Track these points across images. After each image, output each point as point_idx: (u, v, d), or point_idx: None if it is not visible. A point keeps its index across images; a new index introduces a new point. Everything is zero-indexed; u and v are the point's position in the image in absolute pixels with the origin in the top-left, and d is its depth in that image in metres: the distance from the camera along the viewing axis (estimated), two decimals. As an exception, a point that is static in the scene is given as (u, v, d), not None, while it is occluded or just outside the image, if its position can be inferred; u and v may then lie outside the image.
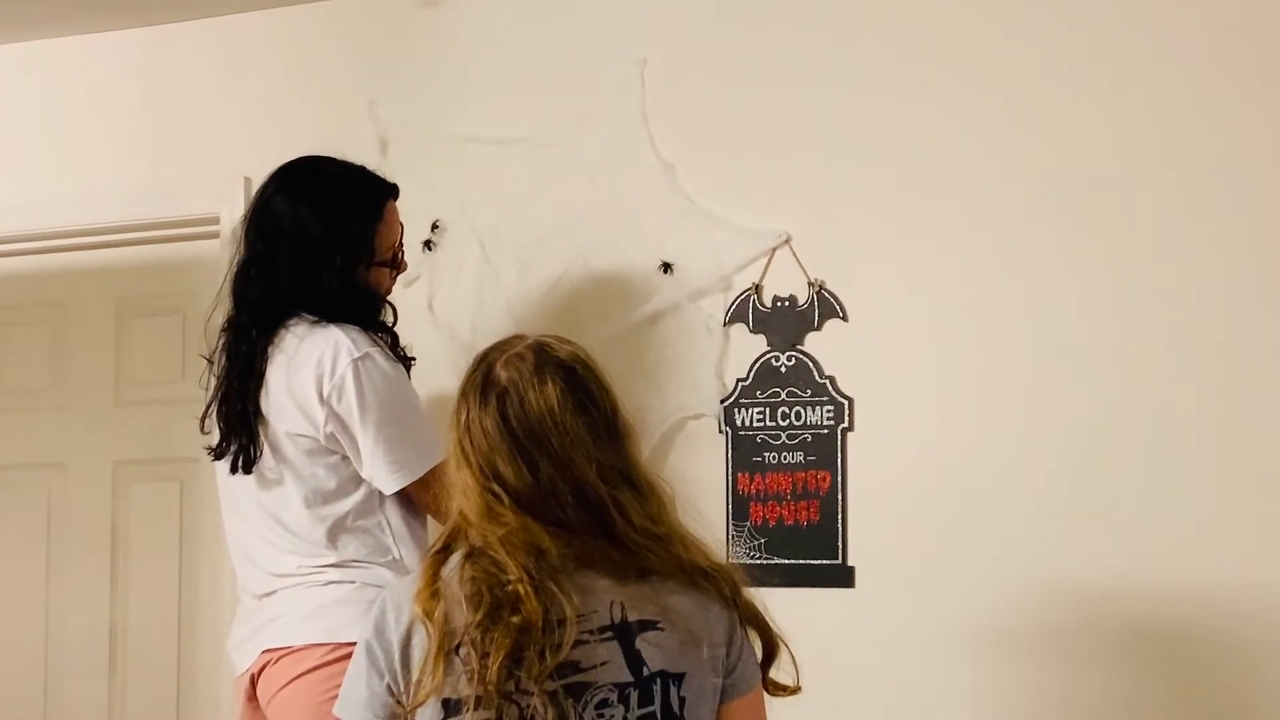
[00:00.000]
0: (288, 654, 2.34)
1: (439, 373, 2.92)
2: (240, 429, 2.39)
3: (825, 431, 2.67)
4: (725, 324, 2.75)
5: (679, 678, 1.73)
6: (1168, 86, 2.52)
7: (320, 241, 2.40)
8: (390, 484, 2.35)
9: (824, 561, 2.64)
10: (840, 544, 2.63)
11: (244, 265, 2.44)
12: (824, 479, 2.67)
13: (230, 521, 2.51)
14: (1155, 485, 2.48)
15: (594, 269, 2.84)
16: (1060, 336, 2.55)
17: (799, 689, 1.82)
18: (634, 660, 1.71)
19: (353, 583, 2.36)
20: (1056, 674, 2.50)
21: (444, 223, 2.96)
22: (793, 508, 2.68)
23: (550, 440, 1.74)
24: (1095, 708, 2.48)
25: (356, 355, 2.32)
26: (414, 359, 2.54)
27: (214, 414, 2.45)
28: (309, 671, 2.31)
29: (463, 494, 1.78)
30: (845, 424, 2.66)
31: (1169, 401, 2.48)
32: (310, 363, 2.33)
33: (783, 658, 1.81)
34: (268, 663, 2.37)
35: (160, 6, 3.14)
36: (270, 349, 2.38)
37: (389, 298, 2.52)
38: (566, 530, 1.73)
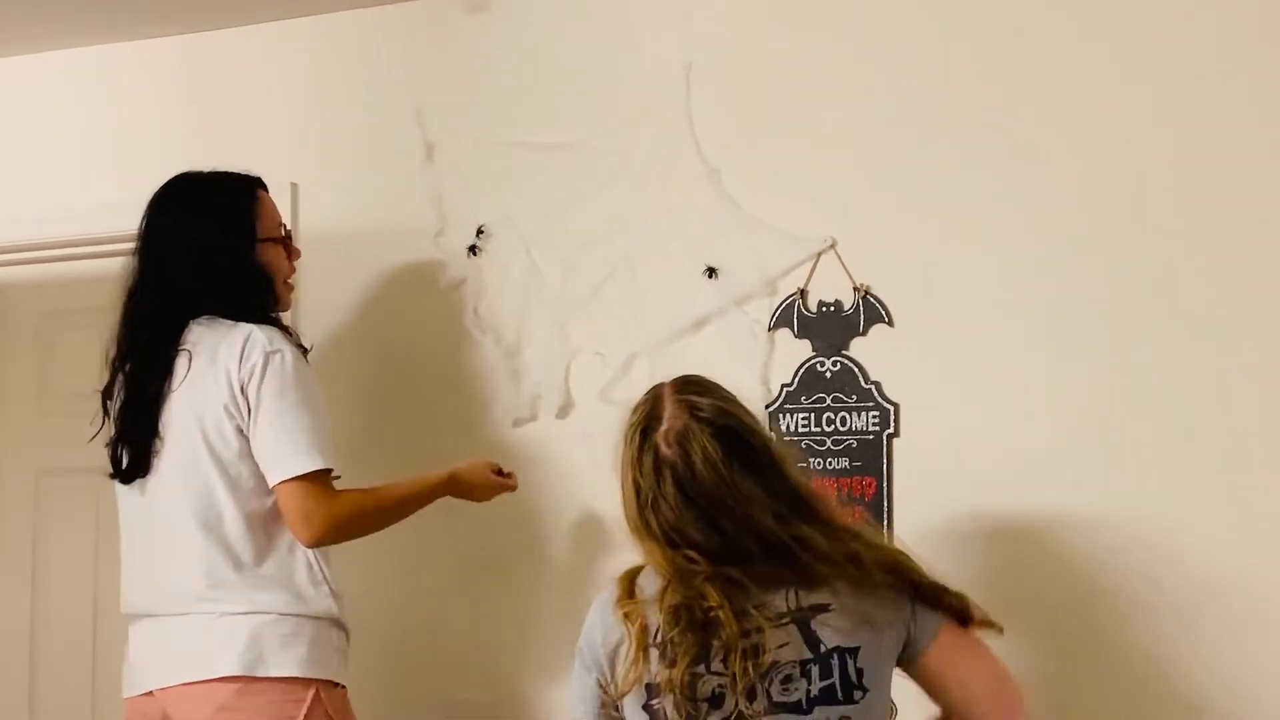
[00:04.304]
0: (202, 685, 2.37)
1: (484, 377, 2.94)
2: (147, 433, 2.47)
3: (870, 437, 2.66)
4: (770, 329, 2.74)
5: (854, 651, 1.92)
6: (1218, 86, 2.51)
7: (204, 235, 2.51)
8: (276, 473, 2.38)
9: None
10: (886, 550, 2.62)
11: (138, 285, 2.54)
12: (869, 485, 2.66)
13: (135, 536, 2.53)
14: (1206, 491, 2.46)
15: (639, 274, 2.84)
16: (1109, 342, 2.53)
17: (1000, 628, 2.01)
18: (811, 639, 1.91)
19: (268, 614, 2.39)
20: (1112, 683, 2.48)
21: (489, 228, 2.97)
22: (838, 513, 2.67)
23: (727, 503, 1.92)
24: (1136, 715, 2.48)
25: (270, 349, 2.42)
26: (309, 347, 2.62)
27: (119, 429, 2.52)
28: (228, 708, 2.35)
29: (649, 558, 2.00)
30: (891, 430, 2.65)
31: (1220, 407, 2.46)
32: (233, 356, 2.41)
33: (976, 605, 1.99)
34: (179, 694, 2.39)
35: (206, 13, 3.16)
36: (180, 352, 2.47)
37: (289, 281, 2.64)
38: (754, 563, 1.93)
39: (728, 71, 2.82)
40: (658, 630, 1.93)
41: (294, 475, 2.37)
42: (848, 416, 2.68)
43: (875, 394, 2.66)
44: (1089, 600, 2.51)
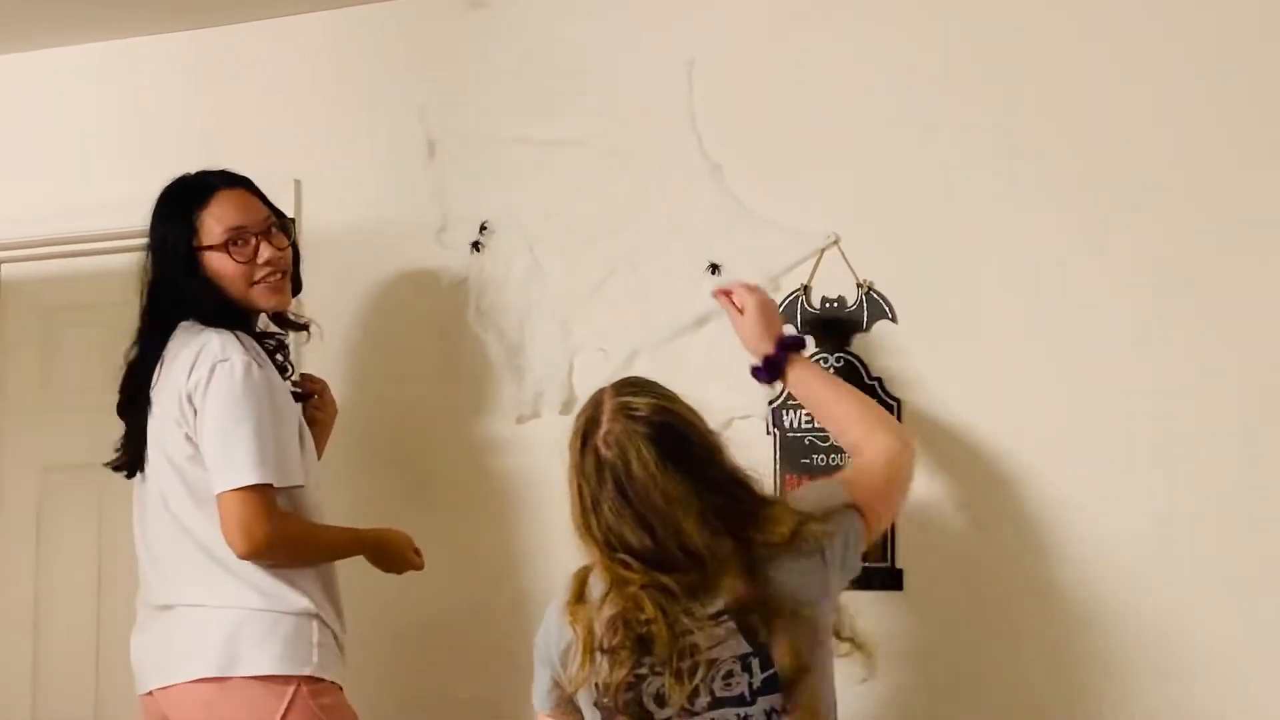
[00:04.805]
0: (186, 686, 2.39)
1: (486, 373, 2.94)
2: (138, 433, 2.51)
3: (873, 433, 2.67)
4: (773, 325, 2.75)
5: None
6: (1218, 86, 2.52)
7: (153, 243, 2.52)
8: (218, 483, 2.37)
9: (872, 564, 2.62)
10: (888, 547, 2.63)
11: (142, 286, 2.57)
12: (871, 481, 2.66)
13: (138, 529, 2.56)
14: (1205, 490, 2.47)
15: (641, 270, 2.84)
16: (1110, 339, 2.54)
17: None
18: (749, 632, 1.98)
19: (243, 609, 2.39)
20: (1114, 678, 2.50)
21: (492, 224, 2.98)
22: (840, 509, 2.67)
23: (658, 503, 1.98)
24: (1139, 713, 2.49)
25: (219, 359, 2.39)
26: (298, 330, 2.66)
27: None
28: (210, 706, 2.37)
29: (593, 562, 2.07)
30: (893, 426, 2.66)
31: (1221, 407, 2.47)
32: (185, 365, 2.41)
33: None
34: (169, 694, 2.42)
35: (209, 9, 3.17)
36: (162, 356, 2.48)
37: (264, 281, 2.52)
38: (684, 571, 1.98)
39: (729, 69, 2.83)
40: (600, 637, 2.01)
41: (234, 487, 2.35)
42: (850, 413, 2.68)
43: (878, 390, 2.67)
44: (1090, 597, 2.52)
